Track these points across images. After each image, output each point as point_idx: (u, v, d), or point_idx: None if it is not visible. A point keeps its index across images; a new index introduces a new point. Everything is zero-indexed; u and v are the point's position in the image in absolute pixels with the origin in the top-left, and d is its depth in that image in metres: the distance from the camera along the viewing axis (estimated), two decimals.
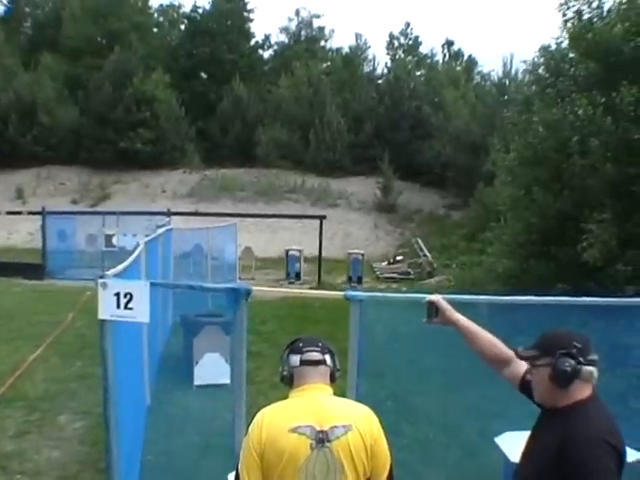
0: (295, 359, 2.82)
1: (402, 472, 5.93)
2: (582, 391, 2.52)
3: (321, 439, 2.61)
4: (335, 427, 2.63)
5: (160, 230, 11.50)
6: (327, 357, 2.84)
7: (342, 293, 3.96)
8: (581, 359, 2.47)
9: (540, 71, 16.42)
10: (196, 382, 8.97)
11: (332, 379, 2.86)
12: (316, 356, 2.81)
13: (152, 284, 3.79)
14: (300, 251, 23.96)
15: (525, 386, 2.79)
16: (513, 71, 36.22)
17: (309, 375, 2.79)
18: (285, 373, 2.85)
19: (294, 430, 2.60)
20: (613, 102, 12.86)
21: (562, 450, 2.39)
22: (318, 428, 2.62)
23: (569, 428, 2.43)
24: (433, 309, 3.16)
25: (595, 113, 12.82)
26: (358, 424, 2.68)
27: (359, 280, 22.19)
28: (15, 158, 38.76)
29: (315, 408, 2.69)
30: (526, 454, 2.68)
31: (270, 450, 2.61)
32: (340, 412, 2.71)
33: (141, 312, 3.63)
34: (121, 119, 39.60)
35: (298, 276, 23.08)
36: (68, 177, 39.50)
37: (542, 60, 16.18)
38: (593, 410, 2.49)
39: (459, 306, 3.21)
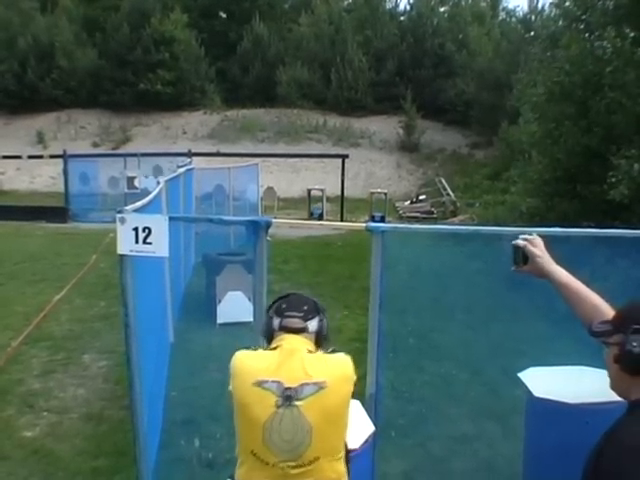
0: (276, 322, 2.62)
1: (424, 407, 6.01)
2: None
3: (288, 396, 2.41)
4: (305, 385, 2.42)
5: (181, 170, 11.40)
6: (310, 324, 2.61)
7: (364, 225, 3.88)
8: None
9: (567, 4, 15.90)
10: (219, 320, 9.02)
11: (318, 345, 2.62)
12: (296, 323, 2.59)
13: (171, 218, 3.72)
14: (322, 191, 23.93)
15: None
16: (540, 6, 35.35)
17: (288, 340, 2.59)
18: (265, 334, 2.68)
19: (259, 384, 2.43)
20: None
21: None
22: (286, 385, 2.42)
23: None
24: (520, 254, 2.55)
25: (624, 46, 12.48)
26: (334, 383, 2.47)
27: (382, 219, 21.99)
28: (35, 102, 38.57)
29: (287, 362, 2.49)
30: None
31: (238, 404, 2.50)
32: (314, 369, 2.47)
33: (160, 247, 3.55)
34: (140, 60, 39.03)
35: (321, 216, 23.06)
36: (88, 120, 39.31)
37: None
38: None
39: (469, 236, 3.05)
